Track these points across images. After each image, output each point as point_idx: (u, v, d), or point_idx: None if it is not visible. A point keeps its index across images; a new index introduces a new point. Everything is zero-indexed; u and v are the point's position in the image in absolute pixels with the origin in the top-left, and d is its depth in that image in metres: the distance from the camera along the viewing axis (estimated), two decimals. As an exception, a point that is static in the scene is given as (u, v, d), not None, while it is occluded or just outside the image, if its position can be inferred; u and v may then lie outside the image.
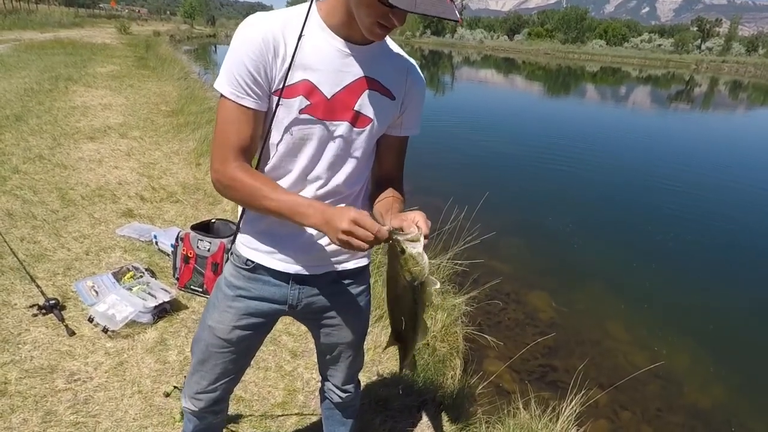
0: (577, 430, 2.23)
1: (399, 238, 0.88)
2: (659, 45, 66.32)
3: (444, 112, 12.35)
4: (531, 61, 44.25)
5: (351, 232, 0.85)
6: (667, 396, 2.90)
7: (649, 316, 3.77)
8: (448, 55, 44.28)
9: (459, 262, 3.24)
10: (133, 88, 8.46)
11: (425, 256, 0.89)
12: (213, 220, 2.80)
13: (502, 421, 2.23)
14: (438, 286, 0.96)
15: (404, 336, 0.99)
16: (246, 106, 0.94)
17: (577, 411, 2.29)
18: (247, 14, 0.99)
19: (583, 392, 2.34)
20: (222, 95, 0.94)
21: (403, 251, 0.87)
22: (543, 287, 3.90)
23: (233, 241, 1.14)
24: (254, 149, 1.00)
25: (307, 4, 0.95)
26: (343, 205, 1.05)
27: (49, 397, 1.81)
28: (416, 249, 0.87)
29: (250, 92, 0.93)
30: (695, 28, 69.94)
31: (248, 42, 0.90)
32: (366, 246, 0.86)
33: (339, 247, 1.10)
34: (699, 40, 65.27)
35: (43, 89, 7.30)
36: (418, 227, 0.89)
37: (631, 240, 5.27)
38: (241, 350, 1.17)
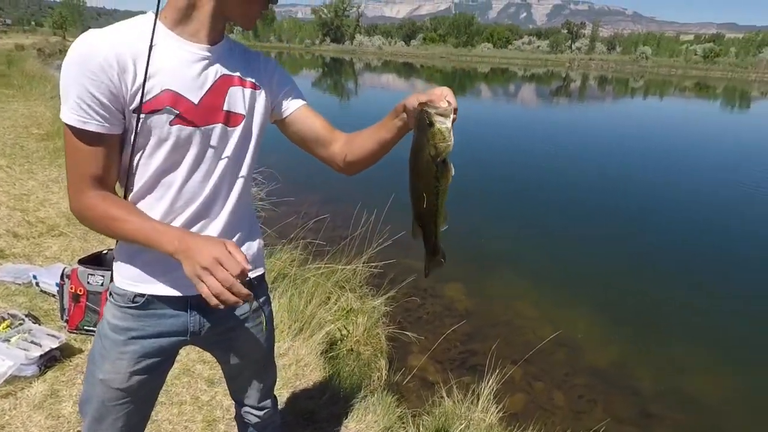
0: (497, 407, 2.38)
1: (429, 110, 0.83)
2: (538, 46, 73.27)
3: (349, 117, 12.48)
4: (428, 64, 46.37)
5: (210, 271, 0.81)
6: (570, 362, 3.21)
7: (550, 291, 4.14)
8: (349, 62, 44.79)
9: (374, 264, 3.30)
10: (-6, 111, 7.41)
11: (452, 133, 0.85)
12: (105, 251, 2.55)
13: (429, 412, 2.31)
14: (454, 173, 0.90)
15: (425, 219, 0.93)
16: (93, 131, 0.87)
17: (495, 389, 2.45)
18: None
19: (497, 371, 2.51)
20: (66, 124, 0.87)
21: (431, 124, 0.83)
22: (456, 278, 4.11)
23: (111, 280, 1.04)
24: (113, 176, 0.94)
25: (144, 16, 0.93)
26: (219, 227, 1.02)
27: None
28: (445, 124, 0.83)
29: (96, 116, 0.86)
30: (565, 31, 78.35)
31: (88, 62, 0.84)
32: (227, 296, 0.80)
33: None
34: (569, 41, 73.22)
35: None
36: (448, 102, 0.85)
37: (530, 224, 5.76)
38: (143, 396, 1.08)
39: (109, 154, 0.91)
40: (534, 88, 28.94)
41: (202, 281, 0.82)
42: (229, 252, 0.83)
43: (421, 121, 0.84)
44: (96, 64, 0.84)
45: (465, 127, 11.48)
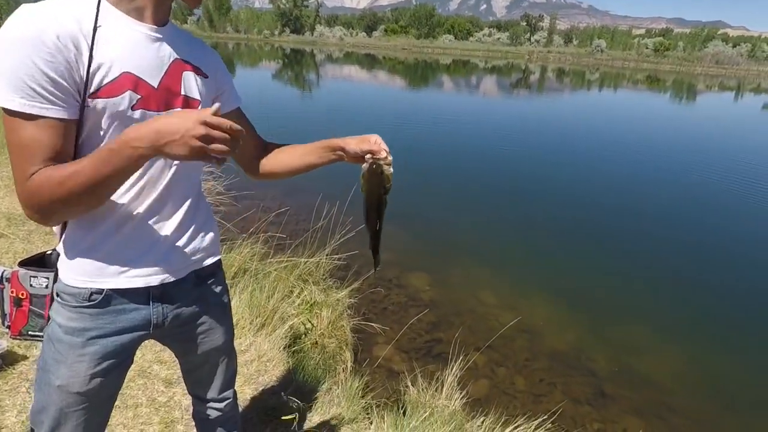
0: (460, 393, 2.43)
1: (380, 161, 1.09)
2: (498, 38, 74.49)
3: (307, 108, 12.32)
4: (390, 56, 46.26)
5: (207, 135, 0.75)
6: (531, 347, 3.31)
7: (511, 279, 4.25)
8: (310, 53, 44.06)
9: (338, 256, 3.28)
10: None
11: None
12: (49, 252, 2.41)
13: (395, 402, 2.33)
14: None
15: (376, 234, 1.22)
16: (53, 118, 0.78)
17: (459, 376, 2.50)
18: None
19: (461, 358, 2.56)
20: (10, 111, 0.76)
21: (383, 172, 1.09)
22: (421, 268, 4.15)
23: (56, 280, 0.97)
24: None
25: None
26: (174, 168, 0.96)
27: None
28: (390, 170, 1.10)
29: (55, 99, 0.77)
30: (524, 23, 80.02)
31: (38, 38, 0.75)
32: (227, 150, 0.77)
33: (197, 244, 1.05)
34: (528, 34, 74.88)
35: None
36: (385, 150, 1.08)
37: (491, 213, 5.89)
38: (105, 397, 1.03)
39: (67, 143, 0.82)
40: (495, 79, 29.45)
41: (205, 149, 0.76)
42: (198, 111, 0.77)
43: (374, 170, 1.10)
44: (51, 44, 0.76)
45: (427, 119, 11.59)
